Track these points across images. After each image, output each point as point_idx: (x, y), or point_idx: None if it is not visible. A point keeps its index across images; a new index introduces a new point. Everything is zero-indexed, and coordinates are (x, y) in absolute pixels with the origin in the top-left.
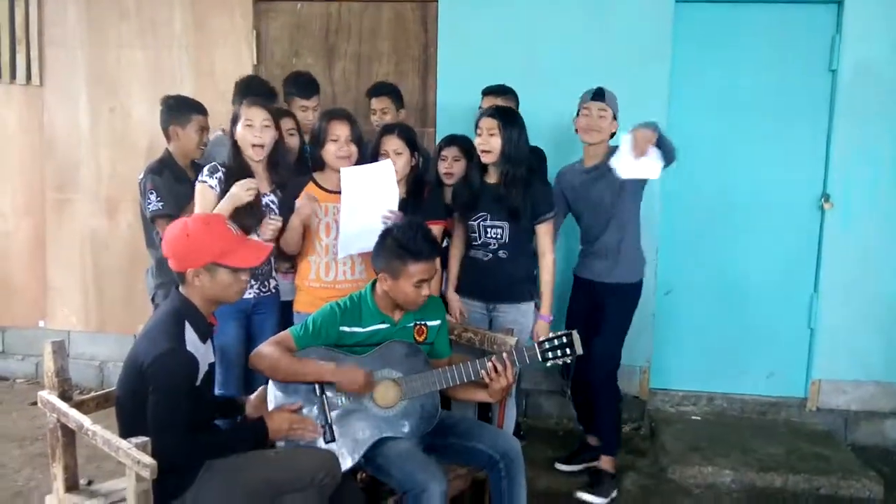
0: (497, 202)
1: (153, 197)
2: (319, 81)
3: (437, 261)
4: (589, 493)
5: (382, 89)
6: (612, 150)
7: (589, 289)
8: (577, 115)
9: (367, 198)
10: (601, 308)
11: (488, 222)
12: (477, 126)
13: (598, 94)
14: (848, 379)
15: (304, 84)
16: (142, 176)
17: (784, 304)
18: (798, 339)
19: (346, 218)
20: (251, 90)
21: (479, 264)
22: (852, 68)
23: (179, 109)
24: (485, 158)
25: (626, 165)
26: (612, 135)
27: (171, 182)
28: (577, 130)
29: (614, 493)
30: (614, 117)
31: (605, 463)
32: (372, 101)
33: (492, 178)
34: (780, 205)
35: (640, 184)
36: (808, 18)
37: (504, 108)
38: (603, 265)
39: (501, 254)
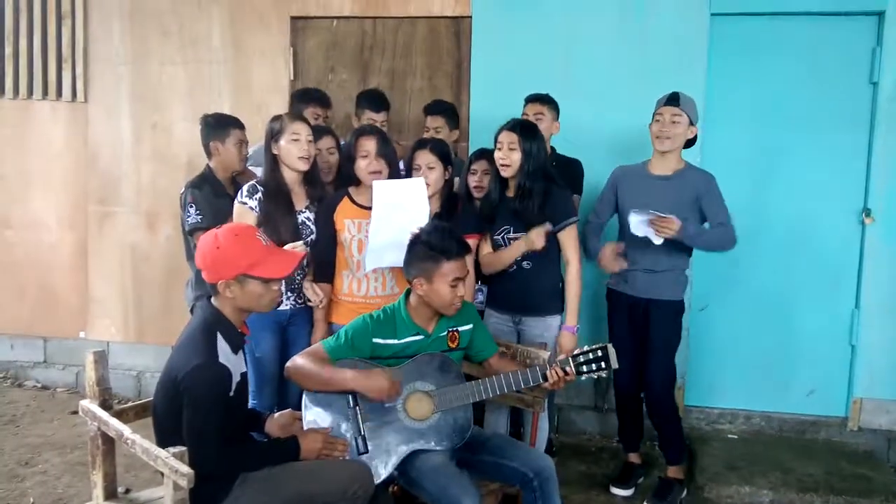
0: (517, 215)
1: (192, 210)
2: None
3: (470, 261)
4: (657, 501)
5: (437, 108)
6: (688, 165)
7: (632, 306)
8: (652, 120)
9: (397, 212)
10: (648, 325)
11: (511, 235)
12: (496, 140)
13: (672, 99)
14: (891, 398)
15: (375, 99)
16: (182, 190)
17: (824, 321)
18: (839, 356)
19: (375, 230)
20: (309, 97)
21: (506, 276)
22: (893, 80)
23: (218, 125)
24: (504, 172)
25: (638, 225)
26: (692, 142)
27: (210, 196)
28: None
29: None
30: (691, 123)
31: (674, 472)
32: (427, 119)
33: (511, 190)
34: (819, 219)
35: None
36: (848, 31)
37: (524, 122)
38: (649, 280)
39: (525, 265)
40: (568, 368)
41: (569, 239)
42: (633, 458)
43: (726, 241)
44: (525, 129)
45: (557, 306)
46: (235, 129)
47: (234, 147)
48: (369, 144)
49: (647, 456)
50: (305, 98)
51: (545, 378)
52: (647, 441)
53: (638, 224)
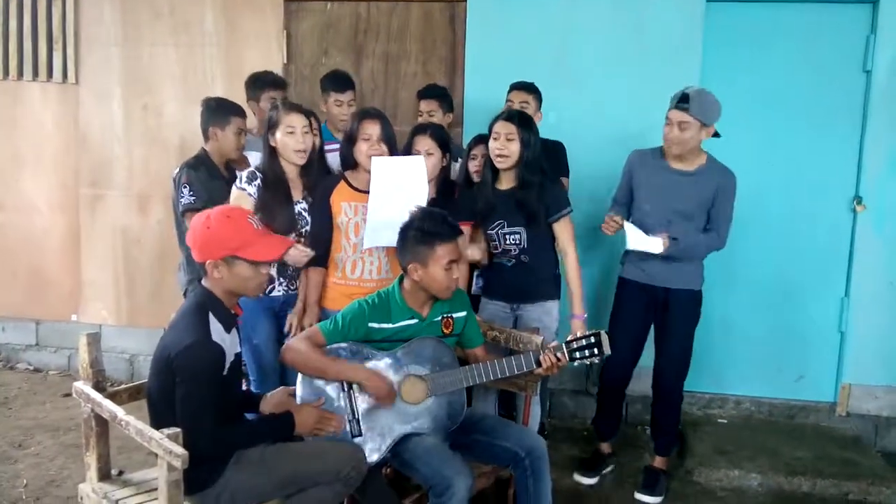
0: (512, 208)
1: (186, 191)
2: None
3: (463, 243)
4: (646, 493)
5: (431, 92)
6: (710, 159)
7: (649, 295)
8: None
9: (396, 190)
10: (666, 314)
11: (506, 229)
12: (491, 130)
13: (682, 101)
14: (879, 384)
15: (339, 79)
16: (177, 171)
17: (814, 308)
18: (828, 342)
19: (374, 208)
20: (263, 82)
21: (505, 269)
22: (887, 68)
23: (220, 111)
24: (501, 163)
25: (634, 239)
26: (715, 134)
27: (205, 178)
28: None
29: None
30: (703, 125)
31: (661, 463)
32: (420, 104)
33: (504, 184)
34: (811, 206)
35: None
36: (842, 18)
37: (520, 112)
38: (667, 269)
39: (524, 258)
40: (560, 354)
41: (564, 230)
42: (605, 447)
43: (712, 249)
44: (523, 120)
45: (554, 291)
46: (236, 116)
47: (233, 135)
48: (373, 128)
49: (618, 444)
50: (259, 84)
51: (539, 364)
52: (638, 426)
53: (633, 240)
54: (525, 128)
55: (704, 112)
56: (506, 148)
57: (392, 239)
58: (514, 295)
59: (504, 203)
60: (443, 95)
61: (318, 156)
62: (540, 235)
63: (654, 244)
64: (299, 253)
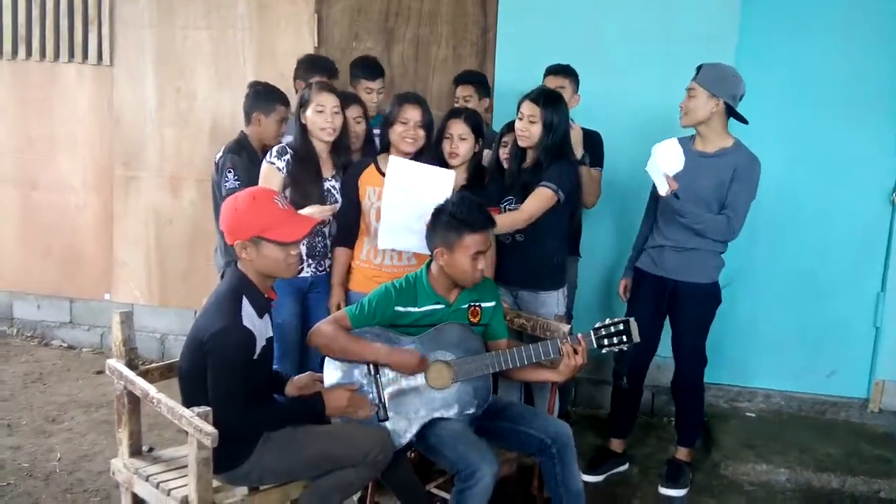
0: (521, 186)
1: (230, 175)
2: None
3: (493, 235)
4: (669, 486)
5: (468, 77)
6: (736, 144)
7: (659, 287)
8: None
9: (414, 197)
10: (675, 307)
11: (512, 206)
12: (518, 109)
13: (697, 70)
14: None
15: (369, 67)
16: (220, 155)
17: (849, 302)
18: (862, 337)
19: (388, 209)
20: (315, 66)
21: (503, 248)
22: None
23: (267, 97)
24: (521, 142)
25: (652, 164)
26: (740, 118)
27: (247, 163)
28: None
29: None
30: (713, 95)
31: (683, 455)
32: (457, 89)
33: (527, 162)
34: (848, 198)
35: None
36: (885, 4)
37: (548, 91)
38: (678, 260)
39: (518, 237)
40: (578, 347)
41: (534, 196)
42: (616, 445)
43: (716, 231)
44: (549, 100)
45: (551, 282)
46: (281, 105)
47: (276, 122)
48: (413, 112)
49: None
50: (310, 66)
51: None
52: (664, 418)
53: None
54: (550, 109)
55: (713, 81)
56: (527, 130)
57: (410, 244)
58: (511, 279)
59: (518, 180)
60: (480, 81)
61: (364, 142)
62: (539, 218)
63: (661, 182)
64: (321, 211)
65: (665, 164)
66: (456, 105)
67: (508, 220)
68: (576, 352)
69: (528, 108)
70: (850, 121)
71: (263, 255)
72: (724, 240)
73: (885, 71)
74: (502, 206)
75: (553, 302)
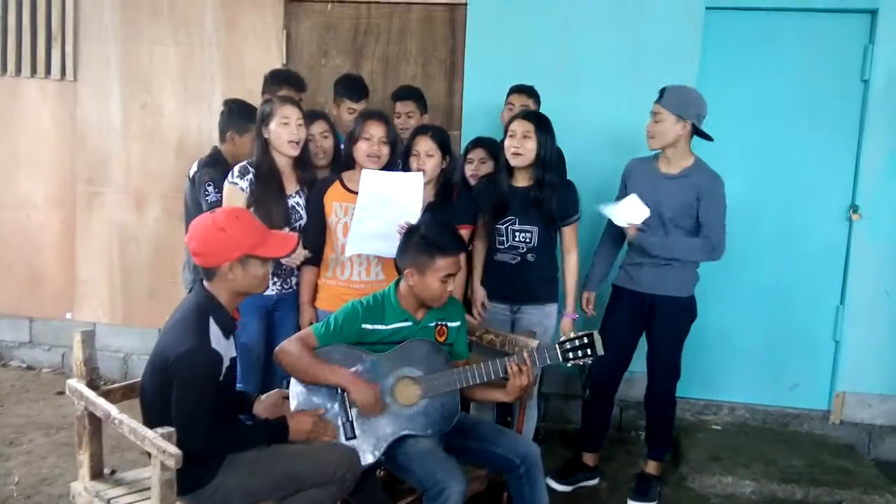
0: (528, 206)
1: (211, 189)
2: None
3: (463, 257)
4: (640, 500)
5: (407, 93)
6: (696, 163)
7: (636, 302)
8: None
9: (386, 204)
10: (651, 321)
11: (517, 226)
12: (507, 128)
13: (661, 93)
14: (873, 392)
15: (356, 87)
16: (195, 169)
17: (809, 316)
18: (823, 350)
19: (359, 219)
20: (283, 80)
21: (507, 268)
22: (885, 79)
23: (242, 116)
24: (516, 162)
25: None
26: (705, 136)
27: (221, 177)
28: None
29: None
30: (680, 118)
31: (653, 468)
32: (396, 105)
33: (520, 181)
34: (807, 214)
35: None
36: (841, 28)
37: (538, 112)
38: (655, 275)
39: (530, 257)
40: (523, 367)
41: (571, 233)
42: (589, 458)
43: (697, 253)
44: (540, 119)
45: (554, 294)
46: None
47: (250, 142)
48: (376, 129)
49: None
50: (278, 80)
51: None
52: (632, 432)
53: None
54: (542, 127)
55: (679, 104)
56: (522, 146)
57: (378, 248)
58: (514, 295)
59: (519, 200)
60: (418, 96)
61: (332, 157)
62: (548, 237)
63: (624, 220)
64: (296, 254)
65: (627, 216)
66: (398, 121)
67: (574, 275)
68: (520, 370)
69: (522, 126)
70: (811, 139)
71: (250, 273)
72: (711, 259)
73: (844, 90)
74: (504, 226)
75: (555, 312)
